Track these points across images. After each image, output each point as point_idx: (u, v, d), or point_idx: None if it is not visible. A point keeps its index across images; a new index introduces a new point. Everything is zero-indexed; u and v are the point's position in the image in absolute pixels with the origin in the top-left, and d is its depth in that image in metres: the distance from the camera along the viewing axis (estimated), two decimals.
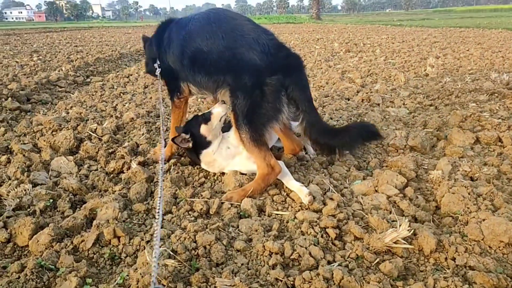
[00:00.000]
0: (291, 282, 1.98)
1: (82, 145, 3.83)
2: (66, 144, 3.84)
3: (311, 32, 23.60)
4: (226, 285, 1.92)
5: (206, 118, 3.12)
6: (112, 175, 3.34)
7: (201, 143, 3.13)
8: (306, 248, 2.21)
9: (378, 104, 5.56)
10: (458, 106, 5.12)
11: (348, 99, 5.98)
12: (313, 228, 2.42)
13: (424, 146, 3.79)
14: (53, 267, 2.10)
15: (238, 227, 2.52)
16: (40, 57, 11.64)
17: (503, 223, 2.25)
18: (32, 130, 4.41)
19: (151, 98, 6.24)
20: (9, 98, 5.73)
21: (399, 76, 7.33)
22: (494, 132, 3.91)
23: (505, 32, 17.87)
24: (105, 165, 3.48)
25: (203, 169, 3.31)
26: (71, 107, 5.66)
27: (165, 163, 3.25)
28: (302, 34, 21.71)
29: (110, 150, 3.76)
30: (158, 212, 1.82)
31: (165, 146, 3.38)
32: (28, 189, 2.89)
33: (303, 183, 2.93)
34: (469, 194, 2.66)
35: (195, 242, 2.27)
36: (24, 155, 3.56)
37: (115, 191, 2.97)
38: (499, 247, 2.24)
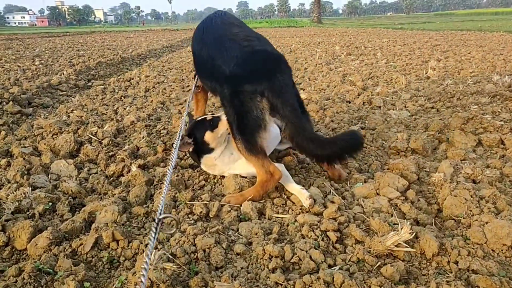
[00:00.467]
0: (292, 286, 1.95)
1: (82, 148, 3.82)
2: (66, 147, 3.83)
3: (312, 36, 23.62)
4: None
5: (213, 124, 3.04)
6: (112, 178, 3.32)
7: (203, 149, 3.07)
8: (306, 251, 2.19)
9: (379, 107, 5.54)
10: (460, 108, 5.10)
11: (349, 102, 5.97)
12: (313, 231, 2.40)
13: (425, 149, 3.76)
14: (51, 270, 2.08)
15: (238, 230, 2.50)
16: (42, 61, 11.66)
17: (506, 226, 2.22)
18: (32, 133, 4.40)
19: (152, 101, 6.23)
20: (11, 102, 5.72)
21: (400, 79, 7.31)
22: (497, 134, 3.88)
23: (507, 35, 17.84)
24: (105, 168, 3.46)
25: (203, 172, 3.29)
26: (72, 110, 5.66)
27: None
28: (303, 38, 21.73)
29: (110, 153, 3.75)
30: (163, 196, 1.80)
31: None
32: (27, 192, 2.87)
33: (303, 186, 2.90)
34: (471, 196, 2.63)
35: (195, 245, 2.25)
36: (24, 159, 3.55)
37: (115, 194, 2.96)
38: (502, 250, 2.21)
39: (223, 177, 3.21)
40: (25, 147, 3.91)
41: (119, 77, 8.89)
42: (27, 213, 2.68)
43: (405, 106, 5.49)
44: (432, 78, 7.56)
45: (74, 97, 6.84)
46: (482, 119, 4.31)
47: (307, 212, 2.65)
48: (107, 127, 4.60)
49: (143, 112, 5.43)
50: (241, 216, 2.67)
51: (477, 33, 20.70)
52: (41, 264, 2.10)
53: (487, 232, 2.28)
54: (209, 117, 3.12)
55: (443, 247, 2.22)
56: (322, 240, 2.33)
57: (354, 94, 6.30)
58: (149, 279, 1.90)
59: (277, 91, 2.70)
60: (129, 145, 4.00)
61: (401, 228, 2.24)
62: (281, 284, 1.96)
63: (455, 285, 1.88)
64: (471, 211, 2.53)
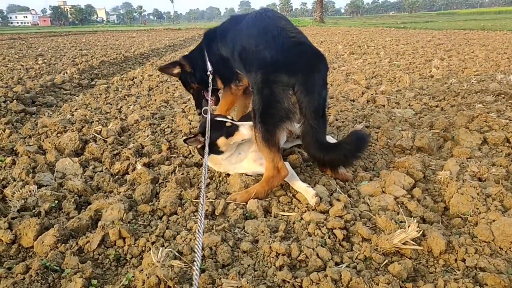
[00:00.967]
0: (299, 284, 1.95)
1: (87, 147, 3.82)
2: (71, 145, 3.83)
3: (315, 35, 23.60)
4: (233, 286, 1.90)
5: (230, 132, 2.97)
6: (117, 176, 3.33)
7: (213, 150, 3.00)
8: (313, 249, 2.18)
9: (384, 106, 5.53)
10: (465, 107, 5.08)
11: (353, 101, 5.96)
12: (320, 229, 2.39)
13: (431, 147, 3.75)
14: (58, 268, 2.08)
15: (244, 228, 2.50)
16: (45, 60, 11.69)
17: None
18: (37, 132, 4.41)
19: (155, 100, 6.24)
20: (15, 101, 5.74)
21: (404, 77, 7.29)
22: (502, 132, 3.87)
23: (510, 34, 17.77)
24: (110, 167, 3.47)
25: (208, 170, 3.29)
26: (76, 109, 5.67)
27: None
28: None
29: (115, 152, 3.76)
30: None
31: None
32: (33, 190, 2.88)
33: (309, 184, 2.90)
34: (478, 194, 2.62)
35: (201, 243, 2.24)
36: (29, 157, 3.56)
37: (120, 192, 2.96)
38: (510, 248, 2.20)
39: (228, 175, 3.20)
40: (29, 145, 3.92)
41: (122, 76, 8.90)
42: (33, 211, 2.69)
43: (409, 105, 5.48)
44: (436, 76, 7.54)
45: (77, 96, 6.86)
46: (487, 118, 4.29)
47: (313, 210, 2.65)
48: (112, 125, 4.60)
49: (147, 110, 5.44)
50: (247, 214, 2.66)
51: (480, 32, 20.63)
52: (48, 261, 2.10)
53: (494, 230, 2.27)
54: (228, 123, 3.01)
55: (450, 245, 2.21)
56: (329, 238, 2.33)
57: (358, 92, 6.29)
58: (157, 276, 1.90)
59: (307, 88, 2.71)
60: (133, 143, 4.00)
61: (408, 226, 2.23)
62: (288, 282, 1.96)
63: (462, 283, 1.87)
64: (477, 209, 2.52)
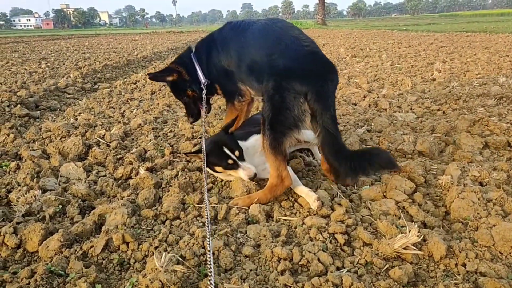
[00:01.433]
0: None
1: (91, 151, 3.86)
2: (75, 150, 3.87)
3: (317, 38, 23.62)
4: None
5: (229, 166, 2.98)
6: (120, 181, 3.35)
7: (211, 168, 3.10)
8: (314, 254, 2.20)
9: (385, 109, 5.55)
10: (466, 110, 5.09)
11: (355, 104, 5.98)
12: (321, 233, 2.41)
13: (432, 151, 3.77)
14: (62, 272, 2.11)
15: (246, 232, 2.52)
16: (48, 64, 11.76)
17: None
18: (41, 136, 4.45)
19: (158, 104, 6.27)
20: (18, 105, 5.79)
21: (406, 81, 7.31)
22: (503, 136, 3.88)
23: None
24: (114, 171, 3.50)
25: (210, 174, 3.32)
26: (80, 113, 5.71)
27: None
28: None
29: (118, 156, 3.79)
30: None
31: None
32: (37, 195, 2.91)
33: (311, 188, 2.92)
34: (479, 199, 2.64)
35: (204, 247, 2.27)
36: (33, 162, 3.59)
37: (124, 196, 2.99)
38: (510, 253, 2.21)
39: (230, 180, 3.23)
40: (34, 150, 3.95)
41: (125, 79, 8.95)
42: (38, 215, 2.72)
43: (411, 109, 5.49)
44: (438, 80, 7.55)
45: (81, 100, 6.90)
46: (488, 121, 4.31)
47: (314, 214, 2.67)
48: (115, 130, 4.64)
49: (150, 115, 5.47)
50: (249, 219, 2.69)
51: (482, 34, 20.62)
52: (53, 266, 2.13)
53: (494, 235, 2.28)
54: (231, 160, 2.95)
55: (451, 249, 2.22)
56: (330, 242, 2.34)
57: (359, 96, 6.31)
58: (160, 281, 1.92)
59: (321, 96, 2.72)
60: (136, 148, 4.03)
61: (409, 231, 2.25)
62: (290, 286, 1.98)
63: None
64: (478, 213, 2.54)
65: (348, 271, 2.09)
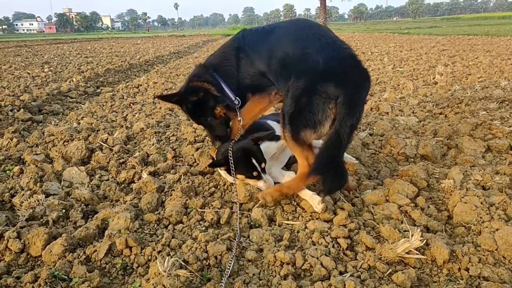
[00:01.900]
0: None
1: (94, 156, 3.87)
2: (78, 154, 3.88)
3: None
4: None
5: (252, 177, 2.96)
6: (123, 185, 3.36)
7: (229, 173, 3.03)
8: (317, 258, 2.20)
9: (387, 113, 5.55)
10: (468, 114, 5.09)
11: None
12: (324, 238, 2.42)
13: (434, 155, 3.76)
14: (66, 277, 2.12)
15: (249, 237, 2.53)
16: (51, 68, 11.82)
17: None
18: (44, 140, 4.47)
19: (160, 108, 6.29)
20: (21, 109, 5.82)
21: (407, 84, 7.31)
22: (506, 140, 3.88)
23: None
24: (116, 175, 3.51)
25: (213, 178, 3.32)
26: (82, 117, 5.73)
27: None
28: None
29: (121, 160, 3.80)
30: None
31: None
32: (41, 200, 2.92)
33: (314, 192, 2.92)
34: (481, 203, 2.64)
35: (206, 252, 2.28)
36: (36, 166, 3.60)
37: (126, 201, 3.00)
38: None
39: (232, 184, 3.23)
40: (37, 154, 3.97)
41: (127, 83, 8.97)
42: (41, 220, 2.73)
43: (413, 112, 5.50)
44: (440, 83, 7.55)
45: (83, 104, 6.93)
46: (490, 125, 4.31)
47: (317, 218, 2.67)
48: (117, 134, 4.65)
49: (152, 119, 5.48)
50: (252, 223, 2.69)
51: (484, 37, 20.64)
52: (56, 270, 2.13)
53: (497, 239, 2.28)
54: (256, 172, 2.93)
55: (454, 254, 2.22)
56: (333, 247, 2.35)
57: None
58: (163, 285, 1.92)
59: (351, 103, 2.64)
60: (139, 152, 4.04)
61: (412, 235, 2.25)
62: None
63: None
64: (481, 217, 2.54)
65: (351, 275, 2.09)
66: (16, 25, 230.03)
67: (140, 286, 2.02)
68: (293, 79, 2.76)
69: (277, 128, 3.68)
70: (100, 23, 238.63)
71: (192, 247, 2.32)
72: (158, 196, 2.99)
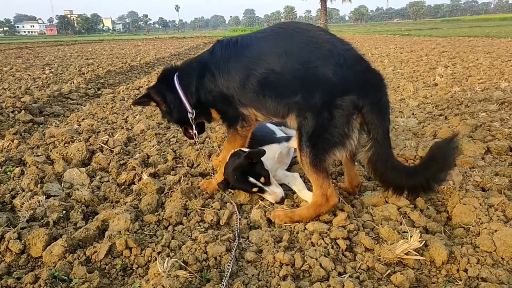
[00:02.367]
0: None
1: (94, 157, 3.88)
2: (79, 156, 3.90)
3: None
4: None
5: (257, 192, 2.96)
6: (123, 187, 3.37)
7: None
8: (316, 259, 2.21)
9: None
10: (468, 115, 5.10)
11: None
12: (323, 239, 2.42)
13: None
14: (66, 278, 2.13)
15: (248, 238, 2.54)
16: (52, 70, 11.85)
17: None
18: (45, 142, 4.48)
19: None
20: (22, 111, 5.84)
21: (408, 86, 7.33)
22: (505, 141, 3.89)
23: None
24: (117, 177, 3.52)
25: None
26: (83, 119, 5.75)
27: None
28: None
29: (121, 162, 3.81)
30: None
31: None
32: (41, 201, 2.93)
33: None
34: (480, 205, 2.65)
35: (206, 253, 2.29)
36: (37, 167, 3.62)
37: (127, 202, 3.01)
38: (511, 258, 2.22)
39: None
40: (38, 155, 3.98)
41: (128, 85, 9.00)
42: (42, 221, 2.74)
43: (413, 114, 5.51)
44: (440, 85, 7.56)
45: (84, 106, 6.95)
46: (490, 127, 4.32)
47: (316, 220, 2.68)
48: (118, 135, 4.67)
49: (153, 120, 5.50)
50: (251, 224, 2.70)
51: (484, 39, 20.64)
52: (57, 271, 2.14)
53: (496, 240, 2.28)
54: (256, 188, 2.90)
55: (453, 255, 2.23)
56: (332, 248, 2.35)
57: None
58: (163, 286, 1.93)
59: (378, 110, 2.47)
60: (139, 153, 4.06)
61: (411, 236, 2.26)
62: None
63: None
64: (480, 219, 2.54)
65: (350, 276, 2.10)
66: (18, 27, 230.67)
67: (140, 286, 2.03)
68: (302, 96, 2.54)
69: (277, 130, 3.72)
70: (101, 25, 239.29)
71: (191, 248, 2.32)
72: (158, 197, 3.00)
